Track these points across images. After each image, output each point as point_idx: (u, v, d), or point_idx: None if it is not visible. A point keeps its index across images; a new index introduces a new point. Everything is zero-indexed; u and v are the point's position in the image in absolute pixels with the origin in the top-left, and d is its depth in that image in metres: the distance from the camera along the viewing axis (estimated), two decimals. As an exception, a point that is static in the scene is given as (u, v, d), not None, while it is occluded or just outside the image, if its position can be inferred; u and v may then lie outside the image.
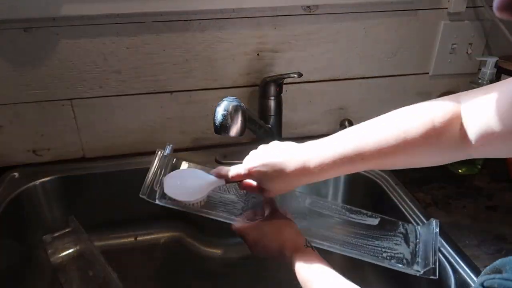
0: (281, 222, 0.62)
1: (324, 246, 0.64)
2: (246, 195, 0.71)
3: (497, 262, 0.32)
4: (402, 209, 0.79)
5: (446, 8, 0.94)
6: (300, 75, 0.80)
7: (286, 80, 0.92)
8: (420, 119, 0.55)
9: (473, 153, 0.53)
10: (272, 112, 0.87)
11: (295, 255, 0.56)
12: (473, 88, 0.81)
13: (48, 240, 0.84)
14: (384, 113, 1.06)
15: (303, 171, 0.58)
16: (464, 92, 0.55)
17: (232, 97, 0.71)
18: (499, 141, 0.47)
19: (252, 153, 0.64)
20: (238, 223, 0.65)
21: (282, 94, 0.87)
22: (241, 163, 0.64)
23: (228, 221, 0.66)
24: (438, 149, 0.54)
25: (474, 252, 0.68)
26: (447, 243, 0.70)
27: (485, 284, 0.31)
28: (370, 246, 0.66)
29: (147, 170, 0.91)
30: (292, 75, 0.80)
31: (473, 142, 0.50)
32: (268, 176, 0.60)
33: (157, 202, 0.64)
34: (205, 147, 0.98)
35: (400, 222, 0.70)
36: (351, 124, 0.92)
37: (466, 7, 0.93)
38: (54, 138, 0.91)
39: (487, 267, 0.33)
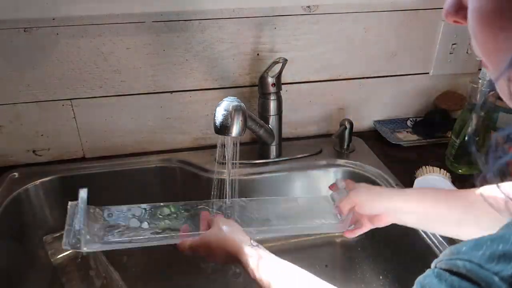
0: (219, 227, 0.63)
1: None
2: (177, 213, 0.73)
3: (453, 247, 0.33)
4: (402, 209, 0.79)
5: (446, 8, 0.94)
6: (284, 60, 0.83)
7: (286, 80, 0.92)
8: None
9: None
10: (272, 112, 0.87)
11: (243, 257, 0.57)
12: (473, 88, 0.81)
13: (49, 240, 0.84)
14: (383, 113, 1.06)
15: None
16: None
17: (232, 97, 0.71)
18: None
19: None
20: (180, 240, 0.66)
21: (282, 94, 0.87)
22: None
23: (170, 242, 0.67)
24: None
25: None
26: (447, 243, 0.70)
27: (437, 265, 0.33)
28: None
29: (147, 170, 0.92)
30: (277, 59, 0.83)
31: None
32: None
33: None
34: (205, 147, 0.98)
35: None
36: (351, 124, 0.92)
37: (466, 7, 0.93)
38: (54, 138, 0.91)
39: (443, 252, 0.34)
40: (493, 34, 0.29)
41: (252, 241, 0.59)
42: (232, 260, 0.59)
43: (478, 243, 0.30)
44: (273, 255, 0.57)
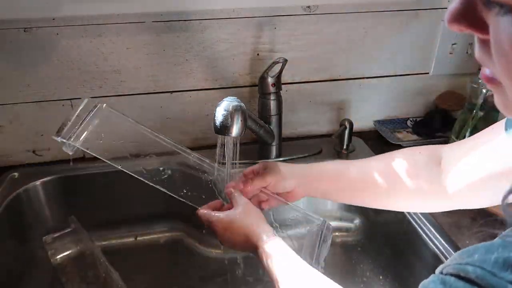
0: (248, 211, 0.62)
1: None
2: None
3: (460, 251, 0.33)
4: (402, 209, 0.79)
5: (446, 8, 0.94)
6: (284, 60, 0.83)
7: (286, 80, 0.92)
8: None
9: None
10: (272, 112, 0.87)
11: (260, 243, 0.56)
12: (473, 88, 0.81)
13: (49, 240, 0.84)
14: (383, 113, 1.06)
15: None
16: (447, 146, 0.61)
17: (232, 97, 0.71)
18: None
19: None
20: (204, 210, 0.65)
21: (282, 95, 0.87)
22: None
23: (191, 204, 0.67)
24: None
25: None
26: (447, 243, 0.70)
27: (443, 271, 0.32)
28: None
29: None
30: (277, 59, 0.83)
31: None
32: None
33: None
34: (205, 147, 0.98)
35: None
36: (351, 124, 0.92)
37: (466, 7, 0.93)
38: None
39: (450, 258, 0.33)
40: None
41: (274, 232, 0.58)
42: (248, 248, 0.58)
43: (489, 249, 0.29)
44: (290, 251, 0.56)
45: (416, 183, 0.60)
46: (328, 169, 0.68)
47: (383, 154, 0.67)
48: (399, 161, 0.63)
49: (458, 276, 0.30)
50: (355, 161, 0.68)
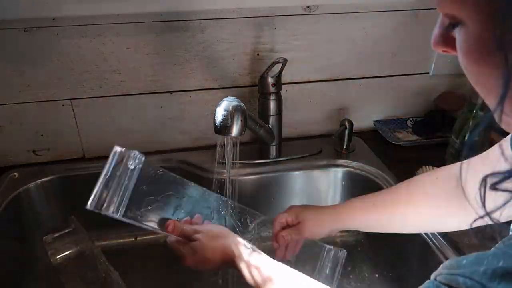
0: (215, 232, 0.62)
1: None
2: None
3: (453, 260, 0.34)
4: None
5: (446, 8, 0.94)
6: (284, 60, 0.83)
7: (286, 80, 0.92)
8: None
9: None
10: (272, 112, 0.87)
11: (239, 262, 0.57)
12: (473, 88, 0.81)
13: (49, 240, 0.84)
14: (383, 113, 1.06)
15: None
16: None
17: (232, 97, 0.71)
18: None
19: None
20: (171, 238, 0.65)
21: (282, 94, 0.87)
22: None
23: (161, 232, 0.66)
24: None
25: (474, 252, 0.68)
26: (447, 242, 0.70)
27: (437, 278, 0.33)
28: None
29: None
30: (277, 59, 0.83)
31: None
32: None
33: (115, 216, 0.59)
34: (205, 147, 0.98)
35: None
36: (351, 124, 0.92)
37: (466, 7, 0.93)
38: (54, 138, 0.91)
39: (443, 264, 0.34)
40: (480, 68, 0.29)
41: (245, 242, 0.59)
42: (227, 266, 0.59)
43: (479, 257, 0.31)
44: (268, 258, 0.57)
45: (436, 204, 0.60)
46: (355, 209, 0.69)
47: (400, 184, 0.67)
48: (417, 187, 0.63)
49: (450, 286, 0.31)
50: (378, 193, 0.68)
